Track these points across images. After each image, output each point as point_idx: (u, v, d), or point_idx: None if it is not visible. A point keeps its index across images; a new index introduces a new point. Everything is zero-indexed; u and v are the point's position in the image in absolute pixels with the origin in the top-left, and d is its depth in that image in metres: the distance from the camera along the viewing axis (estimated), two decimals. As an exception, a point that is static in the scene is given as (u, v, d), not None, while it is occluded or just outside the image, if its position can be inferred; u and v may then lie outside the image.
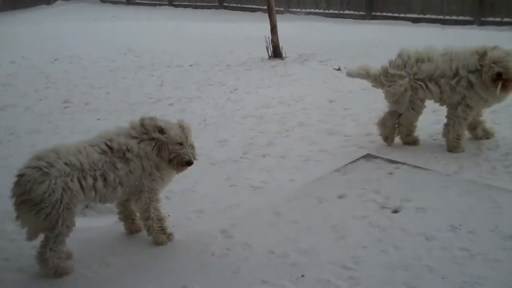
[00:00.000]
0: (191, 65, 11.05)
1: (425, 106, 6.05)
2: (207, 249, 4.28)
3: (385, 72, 5.94)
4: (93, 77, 10.50)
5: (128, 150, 4.27)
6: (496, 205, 4.62)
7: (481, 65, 5.62)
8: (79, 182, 4.10)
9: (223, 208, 4.96)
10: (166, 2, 23.99)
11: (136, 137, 4.33)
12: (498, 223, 4.34)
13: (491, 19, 14.51)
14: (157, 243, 4.45)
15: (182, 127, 4.39)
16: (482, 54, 5.66)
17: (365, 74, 6.03)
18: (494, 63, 5.48)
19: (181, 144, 4.31)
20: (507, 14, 14.25)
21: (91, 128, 7.40)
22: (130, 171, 4.28)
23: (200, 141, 6.12)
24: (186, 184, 5.47)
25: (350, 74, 6.19)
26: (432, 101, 6.04)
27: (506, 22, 14.21)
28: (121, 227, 4.77)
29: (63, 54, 12.61)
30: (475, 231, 4.24)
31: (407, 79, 5.79)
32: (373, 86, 6.20)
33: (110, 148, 4.26)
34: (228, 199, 5.14)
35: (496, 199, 4.71)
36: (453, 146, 5.85)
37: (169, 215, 4.85)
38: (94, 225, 4.90)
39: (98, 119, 7.82)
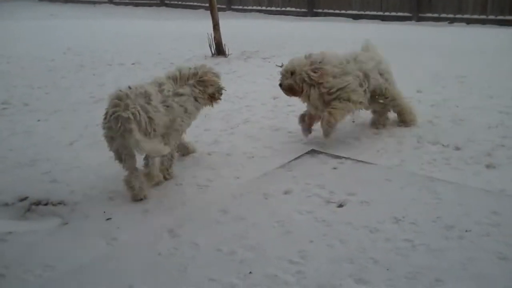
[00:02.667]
0: (133, 64, 10.93)
1: None
2: (153, 248, 4.24)
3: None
4: (32, 77, 10.25)
5: None
6: (437, 196, 4.74)
7: None
8: None
9: (169, 207, 4.93)
10: (106, 0, 23.66)
11: None
12: (439, 213, 4.45)
13: (428, 15, 14.93)
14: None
15: None
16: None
17: None
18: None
19: None
20: (443, 10, 14.68)
21: (31, 129, 7.24)
22: None
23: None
24: (131, 184, 5.41)
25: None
26: None
27: (443, 18, 14.65)
28: (65, 229, 4.68)
29: (0, 53, 12.28)
30: (417, 222, 4.34)
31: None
32: None
33: None
34: (174, 197, 5.10)
35: (437, 191, 4.84)
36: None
37: (111, 217, 4.81)
38: (36, 228, 4.79)
39: (38, 120, 7.64)
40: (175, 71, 5.50)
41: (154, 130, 4.95)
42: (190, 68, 5.55)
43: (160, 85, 5.24)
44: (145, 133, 4.84)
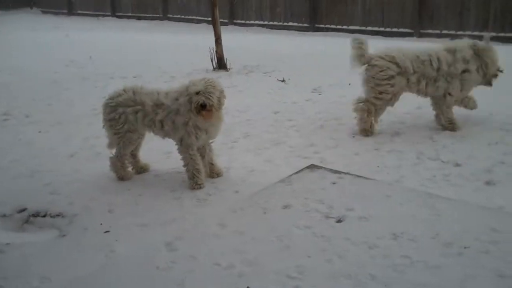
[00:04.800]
0: (134, 77, 10.96)
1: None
2: (151, 262, 4.22)
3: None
4: (35, 89, 10.28)
5: None
6: (436, 213, 4.73)
7: None
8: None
9: (167, 221, 4.92)
10: (109, 13, 23.79)
11: None
12: (438, 230, 4.44)
13: (430, 31, 14.97)
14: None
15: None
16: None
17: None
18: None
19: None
20: (445, 26, 14.73)
21: (32, 140, 7.25)
22: None
23: (144, 154, 6.08)
24: (130, 197, 5.42)
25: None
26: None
27: (444, 34, 14.67)
28: (63, 241, 4.68)
29: (3, 65, 12.32)
30: (416, 239, 4.33)
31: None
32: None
33: None
34: (173, 211, 5.10)
35: (436, 207, 4.83)
36: None
37: (109, 230, 4.80)
38: (34, 240, 4.78)
39: (40, 132, 7.65)
40: None
41: None
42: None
43: None
44: None
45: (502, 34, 13.99)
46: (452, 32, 14.61)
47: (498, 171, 5.62)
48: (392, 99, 6.79)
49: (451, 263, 3.99)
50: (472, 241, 4.25)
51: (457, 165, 5.82)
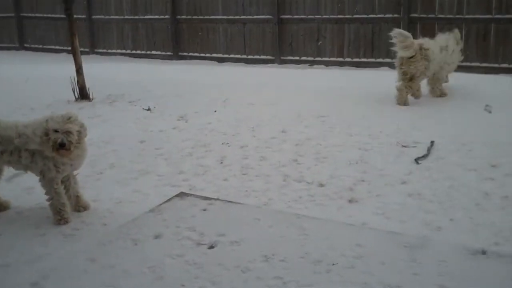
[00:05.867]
0: (-10, 110, 10.38)
1: None
2: (16, 305, 4.00)
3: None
4: None
5: None
6: (304, 233, 4.88)
7: None
8: None
9: (32, 259, 4.67)
10: (-44, 44, 22.44)
11: None
12: (307, 249, 4.58)
13: (290, 57, 15.60)
14: None
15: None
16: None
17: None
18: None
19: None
20: (304, 54, 15.41)
21: None
22: None
23: (2, 190, 5.77)
24: (-11, 237, 5.11)
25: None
26: None
27: (303, 60, 15.38)
28: None
29: None
30: (286, 259, 4.43)
31: None
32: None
33: None
34: (38, 249, 4.85)
35: (304, 227, 4.98)
36: None
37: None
38: None
39: None
40: None
41: None
42: None
43: None
44: None
45: (356, 59, 14.83)
46: (311, 58, 15.31)
47: (359, 189, 5.91)
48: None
49: (321, 281, 4.12)
50: (339, 257, 4.43)
51: (321, 185, 6.04)
